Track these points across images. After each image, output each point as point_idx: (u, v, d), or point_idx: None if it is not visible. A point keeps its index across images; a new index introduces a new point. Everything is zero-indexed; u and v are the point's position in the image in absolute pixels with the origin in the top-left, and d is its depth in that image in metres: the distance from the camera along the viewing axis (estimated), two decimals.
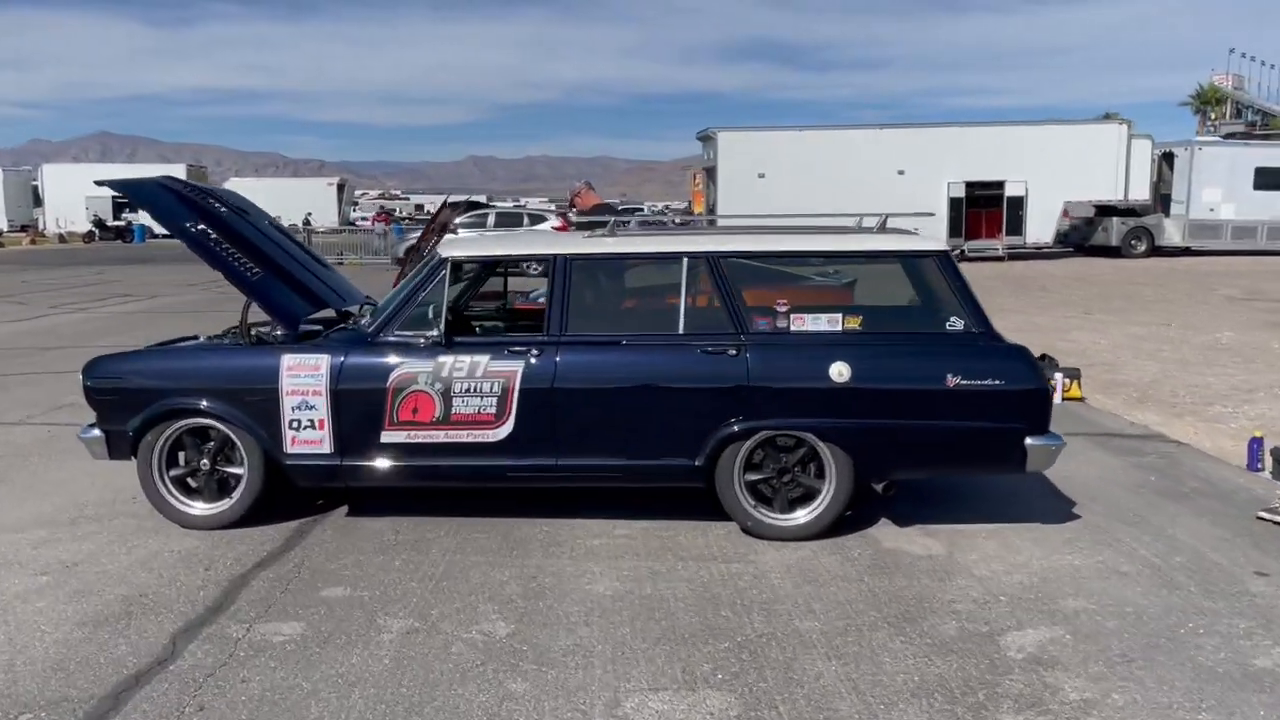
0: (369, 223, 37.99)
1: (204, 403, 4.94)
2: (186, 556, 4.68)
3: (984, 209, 27.61)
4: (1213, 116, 54.21)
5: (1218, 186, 28.52)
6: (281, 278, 5.32)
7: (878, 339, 4.78)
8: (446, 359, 4.83)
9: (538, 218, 25.00)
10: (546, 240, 5.35)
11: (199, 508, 5.07)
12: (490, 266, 6.01)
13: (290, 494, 5.22)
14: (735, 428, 4.70)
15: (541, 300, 7.81)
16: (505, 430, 4.82)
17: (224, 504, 5.05)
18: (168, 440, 5.03)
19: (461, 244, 5.25)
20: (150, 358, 5.22)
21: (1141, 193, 29.84)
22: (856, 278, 6.65)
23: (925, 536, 4.85)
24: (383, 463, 4.91)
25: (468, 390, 4.81)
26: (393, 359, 4.87)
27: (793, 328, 4.79)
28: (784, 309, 4.81)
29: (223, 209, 5.43)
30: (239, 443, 4.98)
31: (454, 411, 4.82)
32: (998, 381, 4.59)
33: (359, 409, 4.87)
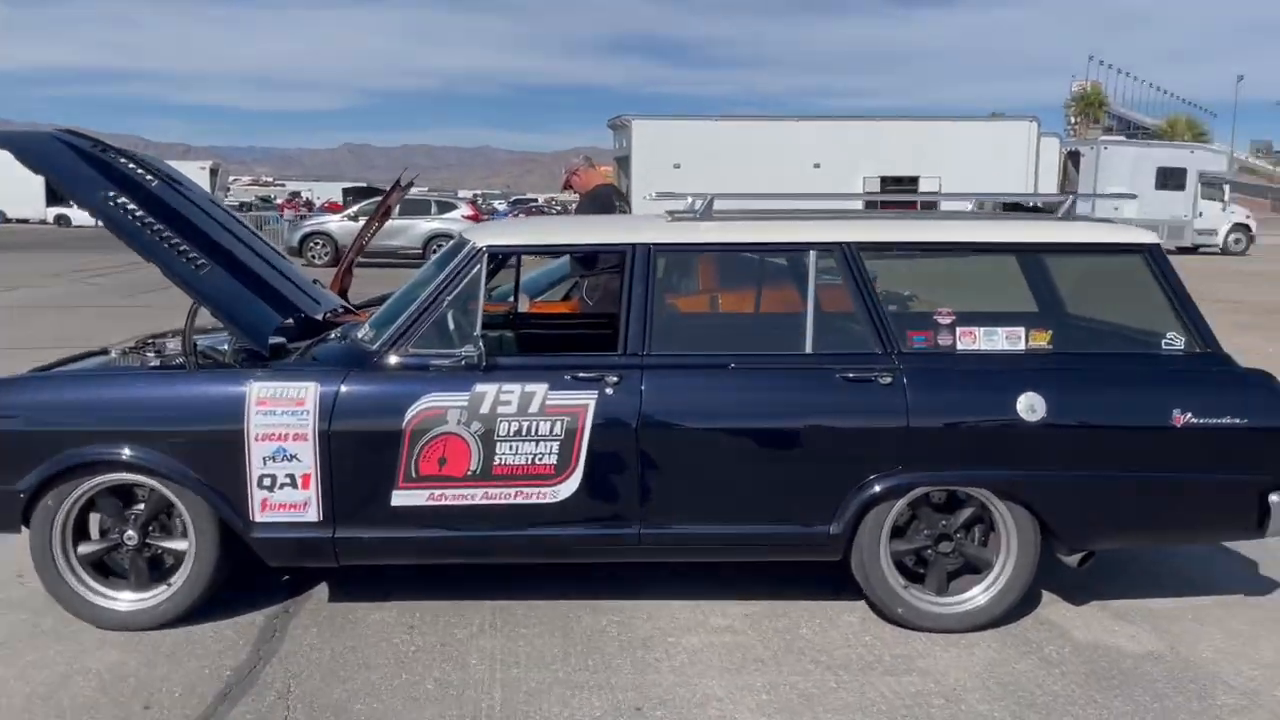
0: (278, 210, 35.61)
1: (127, 450, 3.44)
2: (110, 683, 3.17)
3: (900, 205, 27.17)
4: (1092, 118, 56.05)
5: (1122, 186, 28.88)
6: (237, 273, 3.83)
7: (1076, 362, 3.62)
8: (487, 388, 3.46)
9: (446, 205, 23.20)
10: (619, 225, 4.01)
11: (124, 600, 3.56)
12: (508, 259, 4.63)
13: (244, 568, 3.74)
14: (887, 482, 3.48)
15: (540, 301, 6.46)
16: (570, 487, 3.48)
17: (159, 593, 3.56)
18: (76, 503, 3.51)
19: (501, 230, 3.87)
20: (50, 386, 3.64)
21: (1050, 190, 30.05)
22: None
23: (1119, 621, 3.72)
24: (394, 534, 3.52)
25: (517, 432, 3.45)
26: (411, 388, 3.47)
27: (960, 345, 3.59)
28: (947, 320, 3.61)
29: (150, 178, 3.90)
30: (182, 507, 3.50)
31: (497, 462, 3.46)
32: (1239, 420, 3.47)
33: (362, 459, 3.45)
